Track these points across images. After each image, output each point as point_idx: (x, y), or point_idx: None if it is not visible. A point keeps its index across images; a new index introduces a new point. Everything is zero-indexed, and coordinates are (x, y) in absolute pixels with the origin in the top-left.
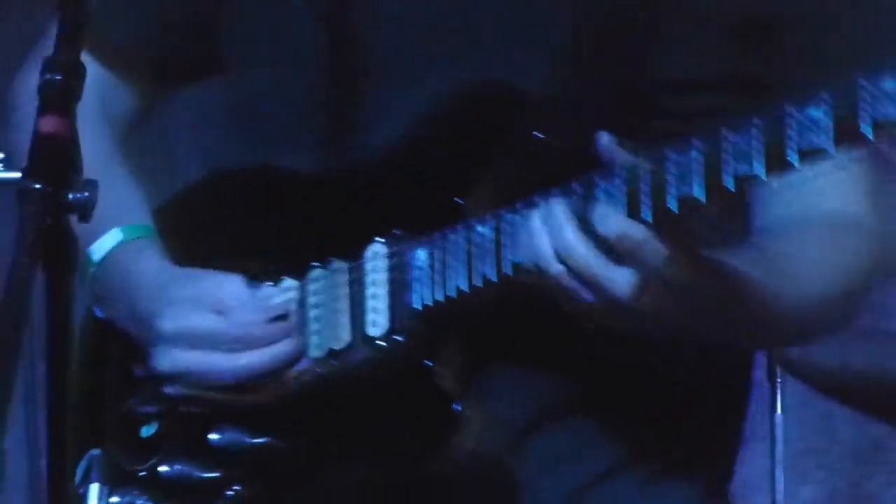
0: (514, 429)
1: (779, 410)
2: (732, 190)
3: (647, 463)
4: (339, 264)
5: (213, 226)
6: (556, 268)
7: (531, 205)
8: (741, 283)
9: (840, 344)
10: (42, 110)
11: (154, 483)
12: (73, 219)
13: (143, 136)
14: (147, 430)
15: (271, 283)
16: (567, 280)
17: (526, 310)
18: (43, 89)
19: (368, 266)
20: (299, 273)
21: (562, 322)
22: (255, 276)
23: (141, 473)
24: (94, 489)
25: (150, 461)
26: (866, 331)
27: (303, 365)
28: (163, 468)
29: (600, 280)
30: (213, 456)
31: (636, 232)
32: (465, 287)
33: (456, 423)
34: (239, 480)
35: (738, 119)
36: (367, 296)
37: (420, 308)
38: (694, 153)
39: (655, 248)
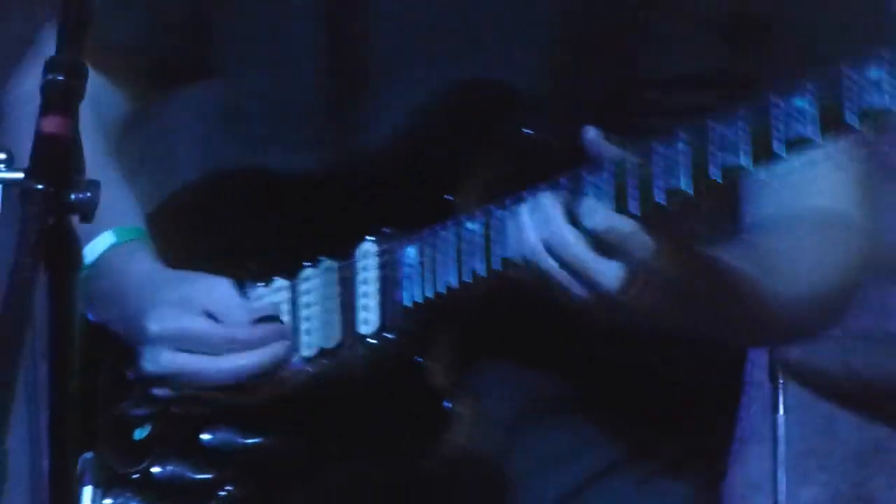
0: (506, 426)
1: (781, 411)
2: (720, 181)
3: (642, 462)
4: (330, 264)
5: (204, 227)
6: (546, 260)
7: (520, 200)
8: (731, 277)
9: (841, 345)
10: (44, 110)
11: (147, 485)
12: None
13: (137, 138)
14: (140, 433)
15: (263, 284)
16: (557, 273)
17: (516, 306)
18: (45, 90)
19: (359, 265)
20: (291, 273)
21: (552, 319)
22: (247, 277)
23: (134, 476)
24: (87, 492)
25: (142, 463)
26: (867, 332)
27: (295, 365)
28: (155, 469)
29: (589, 272)
30: (206, 456)
31: (623, 225)
32: (455, 283)
33: (446, 420)
34: (231, 481)
35: (725, 111)
36: (358, 294)
37: (410, 305)
38: (680, 145)
39: (643, 242)
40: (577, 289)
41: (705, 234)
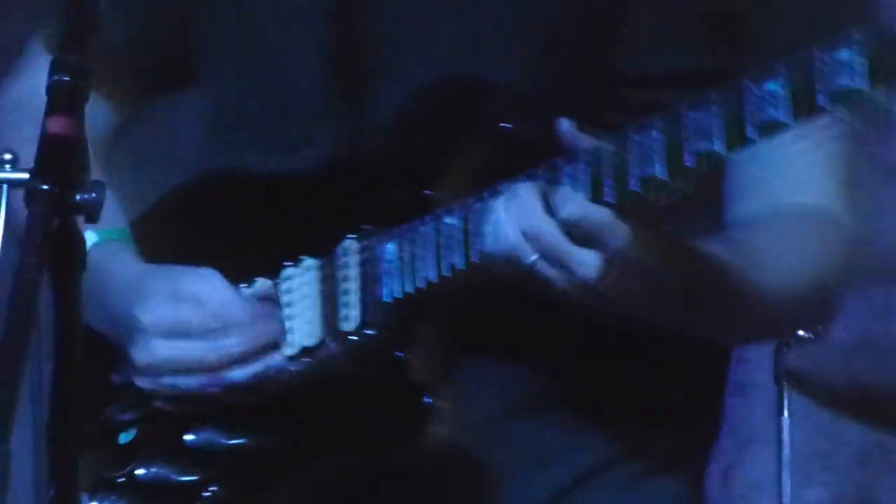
0: (492, 422)
1: (785, 414)
2: (694, 167)
3: (631, 461)
4: (311, 262)
5: (184, 230)
6: (525, 250)
7: (497, 192)
8: (711, 266)
9: (842, 350)
10: (50, 111)
11: (132, 488)
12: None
13: (121, 146)
14: (125, 437)
15: (245, 285)
16: (535, 263)
17: (499, 301)
18: (51, 90)
19: (340, 262)
20: (272, 273)
21: (537, 314)
22: (229, 278)
23: (119, 479)
24: None
25: (128, 467)
26: (869, 334)
27: (277, 364)
28: (140, 472)
29: (566, 261)
30: (190, 458)
31: (598, 214)
32: (434, 278)
33: (427, 416)
34: (216, 481)
35: (697, 97)
36: (339, 292)
37: (391, 301)
38: (654, 133)
39: (618, 230)
40: (556, 278)
41: (689, 231)
